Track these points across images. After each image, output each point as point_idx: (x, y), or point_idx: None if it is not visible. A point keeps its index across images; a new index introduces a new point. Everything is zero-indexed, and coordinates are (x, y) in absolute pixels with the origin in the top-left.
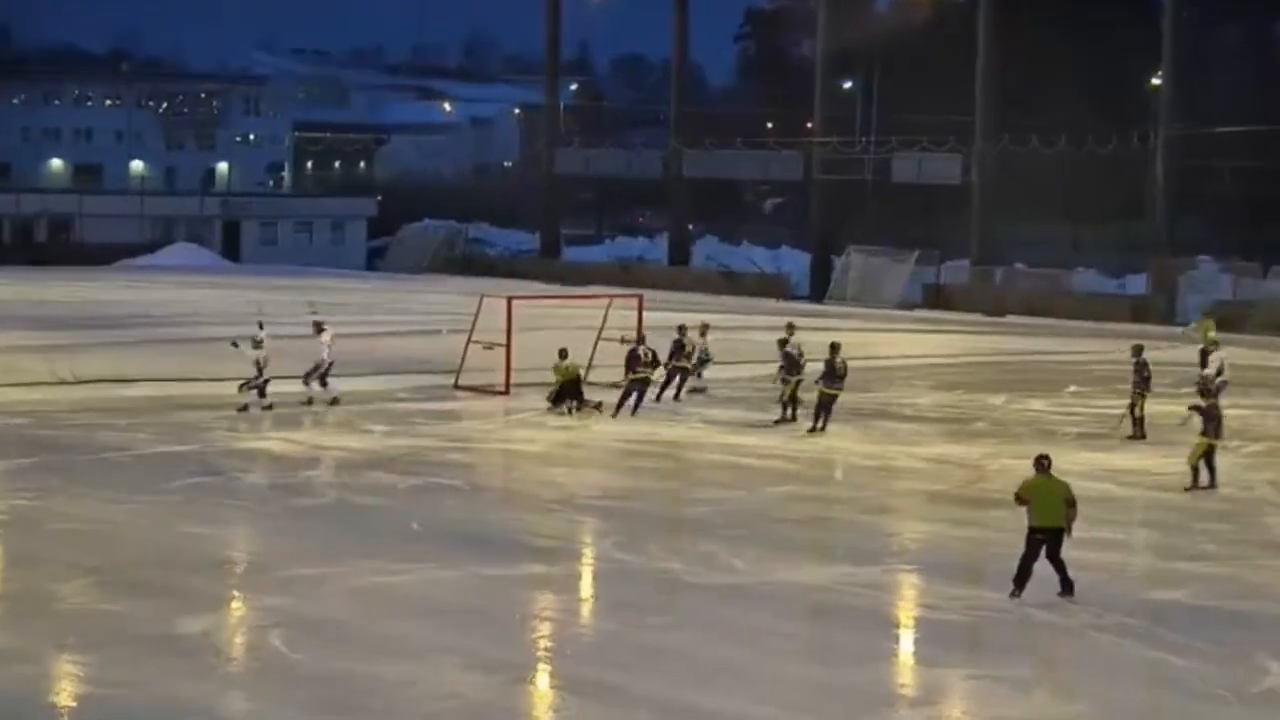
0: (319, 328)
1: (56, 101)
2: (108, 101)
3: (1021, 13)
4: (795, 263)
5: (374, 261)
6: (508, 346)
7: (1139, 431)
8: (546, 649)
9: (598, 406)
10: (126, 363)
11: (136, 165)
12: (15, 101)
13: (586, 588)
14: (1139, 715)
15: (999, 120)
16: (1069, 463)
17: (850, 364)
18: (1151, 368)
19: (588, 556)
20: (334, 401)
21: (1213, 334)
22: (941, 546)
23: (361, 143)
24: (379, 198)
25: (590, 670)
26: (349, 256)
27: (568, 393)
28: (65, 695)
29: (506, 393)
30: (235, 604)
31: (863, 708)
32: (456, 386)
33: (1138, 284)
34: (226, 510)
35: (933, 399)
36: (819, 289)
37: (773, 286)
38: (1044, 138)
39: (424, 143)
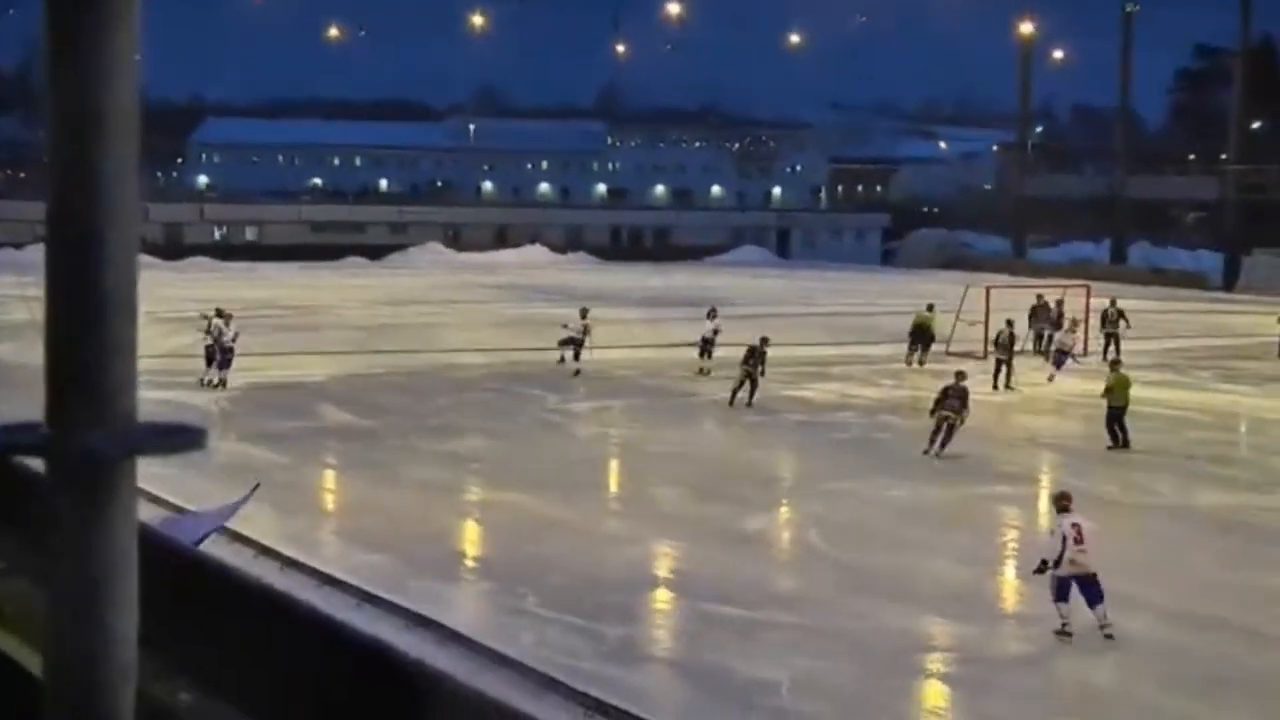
0: None
1: (661, 145)
2: (697, 144)
3: None
4: (1211, 262)
5: (887, 259)
6: (985, 322)
7: None
8: (1013, 549)
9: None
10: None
11: (716, 190)
12: (633, 145)
13: (1044, 503)
14: None
15: None
16: None
17: (1249, 340)
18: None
19: (1045, 481)
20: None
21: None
22: None
23: (880, 172)
24: (891, 212)
25: None
26: (868, 255)
27: (916, 338)
28: (663, 570)
29: (984, 358)
30: (784, 509)
31: (1262, 600)
32: (948, 353)
33: None
34: (777, 440)
35: None
36: (1229, 282)
37: (1192, 280)
38: None
39: (925, 171)
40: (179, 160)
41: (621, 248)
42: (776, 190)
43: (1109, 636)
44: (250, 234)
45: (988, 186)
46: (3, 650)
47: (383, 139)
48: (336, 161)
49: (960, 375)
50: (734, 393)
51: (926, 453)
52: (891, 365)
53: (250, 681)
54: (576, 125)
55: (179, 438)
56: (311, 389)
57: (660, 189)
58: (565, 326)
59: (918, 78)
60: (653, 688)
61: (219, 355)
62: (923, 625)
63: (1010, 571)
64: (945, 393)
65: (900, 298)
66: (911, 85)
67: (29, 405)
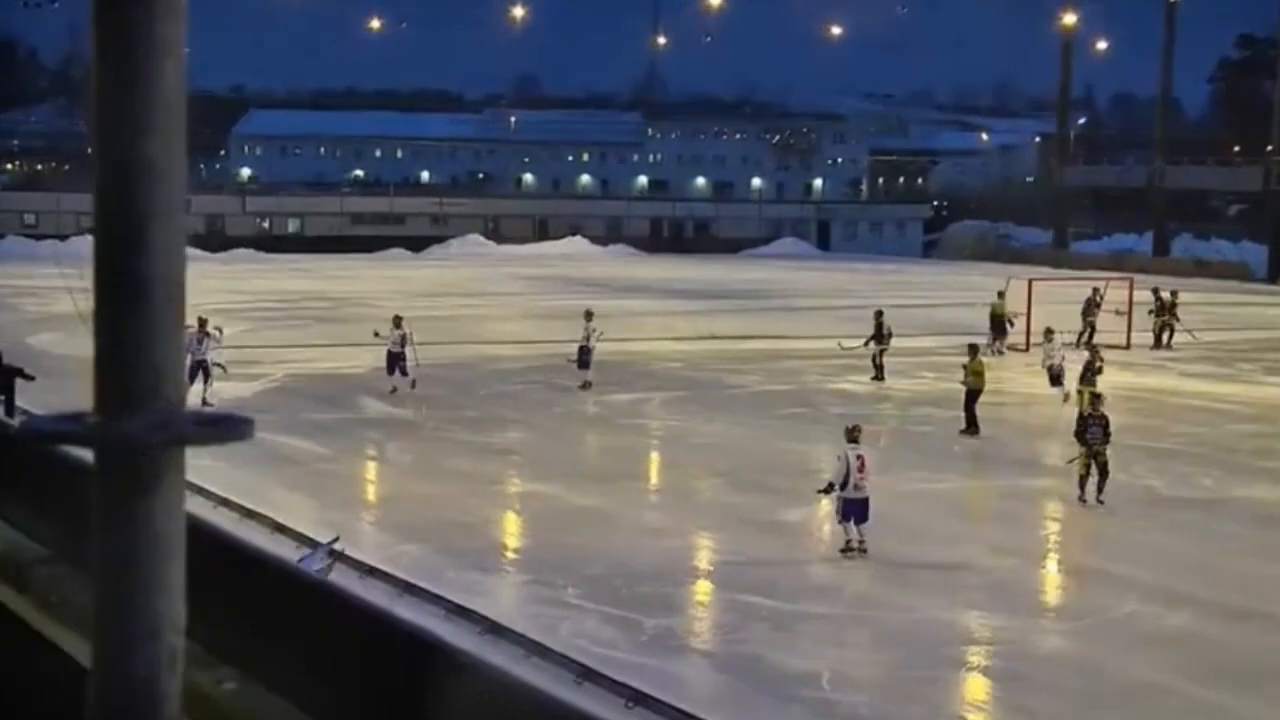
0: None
1: (701, 136)
2: (737, 135)
3: None
4: (1255, 254)
5: (928, 251)
6: (1028, 316)
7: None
8: (1055, 542)
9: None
10: (746, 324)
11: (756, 181)
12: (673, 136)
13: (1087, 497)
14: None
15: None
16: None
17: None
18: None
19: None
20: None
21: None
22: None
23: (919, 164)
24: (932, 204)
25: (1088, 560)
26: (909, 247)
27: (994, 326)
28: (702, 561)
29: (1027, 350)
30: (823, 501)
31: None
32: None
33: None
34: (816, 432)
35: None
36: (1273, 274)
37: (1235, 271)
38: None
39: (964, 163)
40: (221, 152)
41: (662, 239)
42: (817, 182)
43: (864, 551)
44: (292, 226)
45: (1029, 178)
46: (49, 638)
47: (423, 131)
48: (378, 153)
49: (1096, 399)
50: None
51: (1083, 500)
52: (932, 358)
53: (295, 670)
54: (615, 116)
55: (226, 428)
56: (352, 380)
57: (700, 181)
58: (377, 335)
59: (952, 68)
60: (691, 679)
61: (205, 370)
62: (963, 618)
63: (1052, 565)
64: (1084, 423)
65: (941, 290)
66: (945, 76)
67: (74, 395)
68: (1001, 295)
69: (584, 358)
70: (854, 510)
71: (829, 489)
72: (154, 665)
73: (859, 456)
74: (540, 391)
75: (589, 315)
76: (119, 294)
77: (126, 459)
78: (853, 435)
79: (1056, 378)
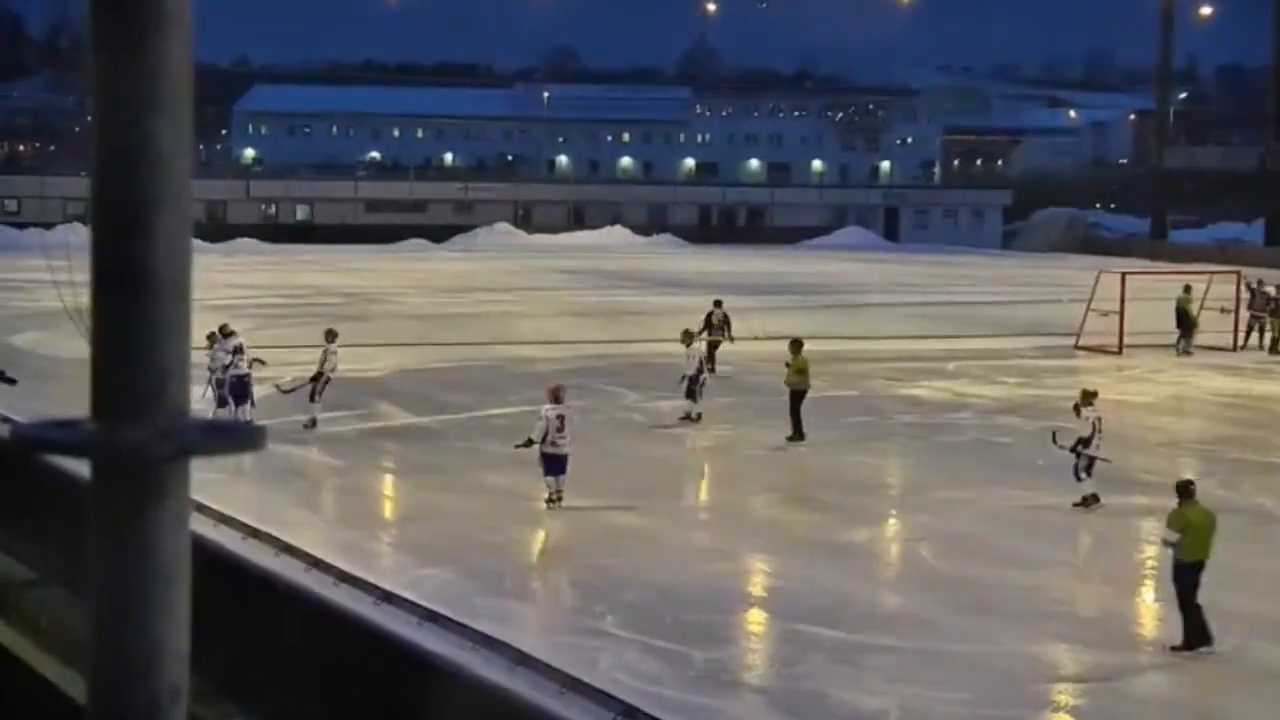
0: None
1: (755, 113)
2: (795, 113)
3: None
4: None
5: (1008, 242)
6: (1121, 314)
7: None
8: (1151, 566)
9: None
10: (805, 323)
11: (816, 164)
12: (724, 114)
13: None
14: None
15: None
16: None
17: None
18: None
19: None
20: None
21: None
22: None
23: (999, 144)
24: (1013, 190)
25: None
26: (987, 238)
27: (1181, 324)
28: (756, 587)
29: (1120, 352)
30: (891, 520)
31: None
32: (1077, 347)
33: None
34: (884, 443)
35: None
36: None
37: None
38: None
39: (1051, 143)
40: (223, 131)
41: (710, 229)
42: (884, 165)
43: (559, 500)
44: (300, 213)
45: (1122, 160)
46: (39, 672)
47: (447, 108)
48: (396, 132)
49: None
50: None
51: None
52: (1012, 362)
53: (306, 705)
54: (660, 92)
55: (236, 437)
56: (367, 385)
57: (754, 163)
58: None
59: (1037, 37)
60: (745, 718)
61: (239, 389)
62: (1047, 651)
63: (1149, 592)
64: None
65: (1024, 285)
66: (1030, 46)
67: (65, 400)
68: (1188, 290)
69: (313, 389)
70: (554, 465)
71: (528, 443)
72: (155, 699)
73: (559, 416)
74: (575, 397)
75: (330, 335)
76: (121, 289)
77: (128, 471)
78: (556, 395)
79: (692, 390)
